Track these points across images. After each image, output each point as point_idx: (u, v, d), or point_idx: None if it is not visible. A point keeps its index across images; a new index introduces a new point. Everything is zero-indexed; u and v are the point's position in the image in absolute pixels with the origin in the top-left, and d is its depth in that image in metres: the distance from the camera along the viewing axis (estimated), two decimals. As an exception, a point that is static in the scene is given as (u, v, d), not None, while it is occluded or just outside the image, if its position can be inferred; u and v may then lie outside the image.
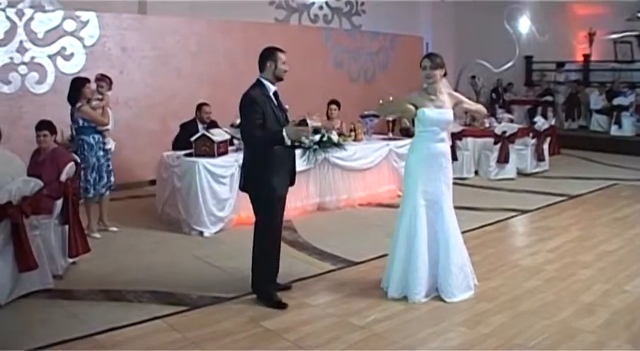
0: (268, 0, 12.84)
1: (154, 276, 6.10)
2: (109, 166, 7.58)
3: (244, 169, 5.45)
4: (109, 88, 7.84)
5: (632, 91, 17.31)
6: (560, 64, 19.49)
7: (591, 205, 9.43)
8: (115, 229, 7.73)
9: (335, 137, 8.73)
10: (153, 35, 10.73)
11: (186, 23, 11.18)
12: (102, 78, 7.79)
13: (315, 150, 8.45)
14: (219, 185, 7.63)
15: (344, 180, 8.95)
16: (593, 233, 7.71)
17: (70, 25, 9.87)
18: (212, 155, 7.66)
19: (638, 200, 9.83)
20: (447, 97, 5.51)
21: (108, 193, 7.69)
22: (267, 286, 5.44)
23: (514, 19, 18.28)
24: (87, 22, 10.02)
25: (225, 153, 7.88)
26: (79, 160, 6.63)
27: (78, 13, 9.93)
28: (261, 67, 5.36)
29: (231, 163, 7.73)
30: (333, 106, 9.89)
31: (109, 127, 7.59)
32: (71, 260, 6.25)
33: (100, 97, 7.62)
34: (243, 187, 5.47)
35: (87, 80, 7.49)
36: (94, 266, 6.39)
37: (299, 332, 4.83)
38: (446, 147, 5.57)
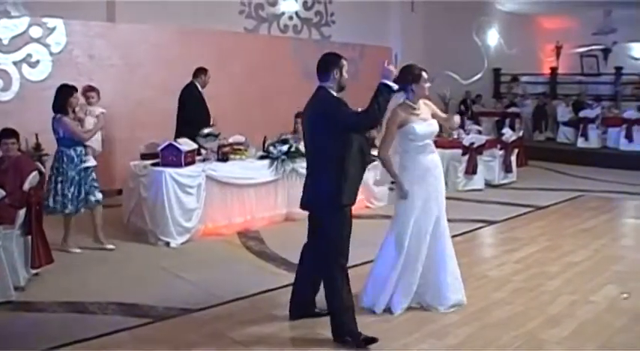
0: (238, 9, 12.79)
1: (119, 287, 6.02)
2: (93, 179, 7.23)
3: (339, 180, 4.74)
4: (99, 99, 7.63)
5: (598, 104, 17.58)
6: (514, 79, 19.72)
7: (558, 216, 9.51)
8: (111, 246, 7.36)
9: (302, 148, 8.71)
10: (121, 43, 10.62)
11: (156, 31, 11.09)
12: (91, 89, 7.59)
13: (283, 160, 8.44)
14: (186, 195, 7.56)
15: (312, 190, 8.90)
16: (559, 244, 7.77)
17: (36, 32, 9.74)
18: (179, 165, 7.59)
19: (605, 211, 9.96)
20: (425, 108, 5.47)
21: (100, 208, 7.37)
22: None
23: (483, 31, 18.44)
24: (54, 28, 9.89)
25: (192, 163, 7.81)
26: (43, 170, 6.52)
27: (44, 19, 9.81)
28: (324, 74, 4.86)
29: (198, 173, 7.67)
30: (300, 120, 9.87)
31: (94, 147, 7.30)
32: (34, 271, 6.14)
33: (97, 114, 7.46)
34: (342, 202, 4.82)
35: (74, 89, 7.20)
36: (57, 277, 6.28)
37: (266, 344, 4.79)
38: (437, 156, 5.52)
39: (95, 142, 7.30)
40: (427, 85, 5.37)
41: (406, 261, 5.35)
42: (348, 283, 4.86)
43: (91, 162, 7.23)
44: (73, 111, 7.25)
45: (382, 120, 4.95)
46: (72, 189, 7.05)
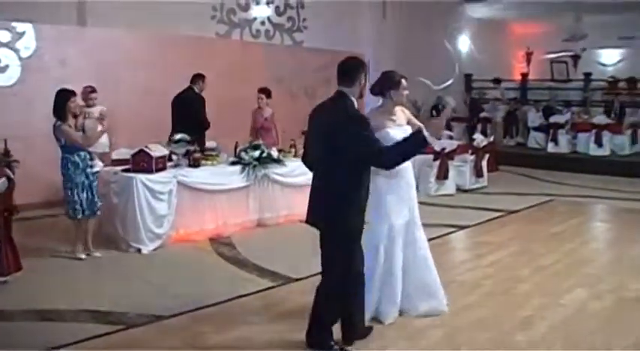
0: (210, 14, 12.75)
1: (90, 294, 5.96)
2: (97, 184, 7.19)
3: (342, 195, 4.62)
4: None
5: (568, 109, 17.84)
6: (497, 81, 19.84)
7: (528, 220, 9.61)
8: (98, 254, 7.24)
9: (275, 153, 8.73)
10: (92, 48, 10.53)
11: (127, 36, 11.02)
12: (92, 90, 7.49)
13: (254, 166, 8.43)
14: (157, 201, 7.51)
15: (284, 196, 8.91)
16: (530, 248, 7.84)
17: (4, 37, 9.64)
18: (150, 171, 7.54)
19: (574, 216, 10.08)
20: (402, 114, 5.47)
21: (94, 217, 7.28)
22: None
23: (454, 37, 18.59)
24: (23, 33, 9.80)
25: (163, 169, 7.76)
26: (12, 176, 6.42)
27: (14, 24, 9.71)
28: (349, 80, 4.63)
29: (169, 179, 7.63)
30: (262, 95, 9.99)
31: (98, 151, 7.24)
32: (2, 279, 6.06)
33: (102, 120, 7.39)
34: (343, 220, 4.67)
35: (71, 93, 7.04)
36: (26, 285, 6.19)
37: (239, 350, 4.77)
38: (409, 162, 5.40)
39: (100, 145, 7.30)
40: (406, 92, 5.36)
41: (384, 269, 5.33)
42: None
43: (97, 166, 7.21)
44: (75, 116, 7.12)
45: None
46: (83, 194, 7.02)
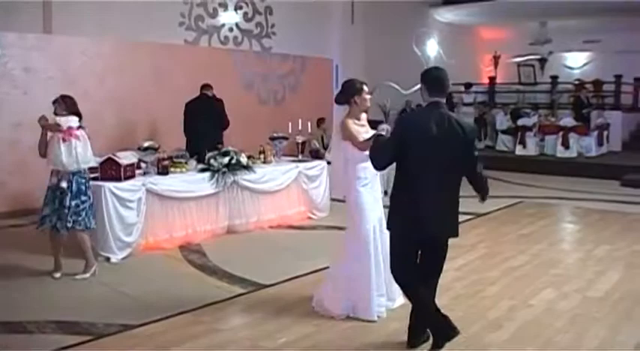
0: (178, 21, 12.70)
1: (57, 305, 5.89)
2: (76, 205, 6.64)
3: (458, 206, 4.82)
4: (65, 108, 6.81)
5: (535, 112, 18.07)
6: (469, 85, 19.99)
7: (498, 222, 9.69)
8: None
9: (244, 160, 8.70)
10: (59, 55, 10.42)
11: (94, 44, 10.92)
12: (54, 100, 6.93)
13: (224, 173, 8.40)
14: (126, 209, 7.44)
15: (253, 202, 8.90)
16: (499, 250, 7.91)
17: (-32, 45, 9.52)
18: (118, 179, 7.48)
19: (542, 217, 10.20)
20: (366, 122, 5.63)
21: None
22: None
23: (422, 42, 18.70)
24: (-14, 41, 9.69)
25: (132, 176, 7.70)
26: None
27: (-23, 31, 9.60)
28: (443, 90, 4.64)
29: (138, 187, 7.57)
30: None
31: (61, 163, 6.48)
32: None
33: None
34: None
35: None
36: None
37: (208, 358, 4.75)
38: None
39: (54, 157, 6.49)
40: (369, 97, 5.51)
41: (376, 265, 5.48)
42: None
43: (63, 182, 6.56)
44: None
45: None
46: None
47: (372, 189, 5.53)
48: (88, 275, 6.74)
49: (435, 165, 4.49)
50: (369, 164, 5.10)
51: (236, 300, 6.07)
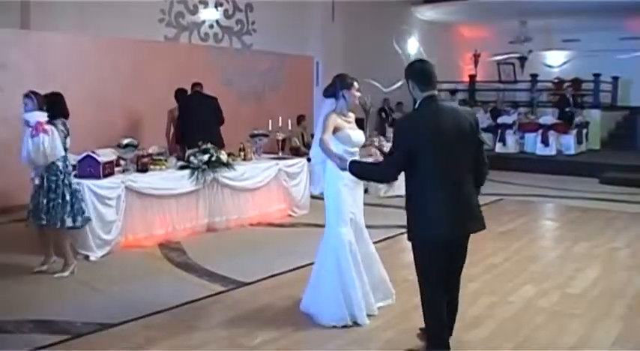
0: (158, 17, 12.64)
1: (36, 304, 5.82)
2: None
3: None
4: (35, 104, 6.47)
5: (515, 110, 18.18)
6: (454, 92, 20.05)
7: (478, 220, 9.70)
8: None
9: (224, 157, 8.67)
10: (36, 52, 10.32)
11: (72, 40, 10.83)
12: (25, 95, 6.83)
13: (203, 170, 8.36)
14: (105, 207, 7.38)
15: (233, 200, 8.86)
16: (480, 247, 7.89)
17: (-58, 40, 9.40)
18: (97, 176, 7.42)
19: (522, 214, 10.27)
20: (352, 116, 5.60)
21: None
22: None
23: (403, 40, 18.73)
24: (-38, 36, 9.57)
25: (111, 174, 7.64)
26: None
27: (-47, 27, 9.48)
28: (435, 82, 4.48)
29: (117, 185, 7.50)
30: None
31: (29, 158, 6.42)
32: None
33: None
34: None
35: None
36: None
37: (188, 357, 4.72)
38: None
39: (25, 152, 6.43)
40: (358, 94, 5.49)
41: (355, 264, 5.43)
42: None
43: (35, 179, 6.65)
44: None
45: None
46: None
47: (352, 190, 5.47)
48: (66, 274, 6.66)
49: (453, 161, 4.30)
50: None
51: (216, 298, 6.03)
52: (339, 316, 5.28)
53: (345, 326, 5.26)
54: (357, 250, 5.47)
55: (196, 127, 9.71)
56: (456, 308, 4.77)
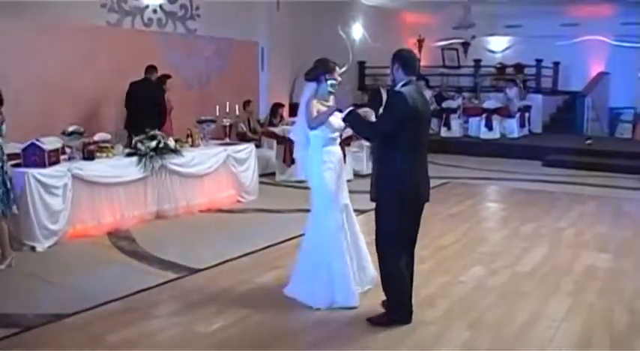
0: (100, 2, 12.38)
1: (-17, 297, 5.70)
2: None
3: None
4: None
5: (459, 95, 18.40)
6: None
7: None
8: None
9: (172, 143, 8.57)
10: (-27, 39, 10.01)
11: (13, 25, 10.51)
12: None
13: (151, 157, 8.26)
14: (51, 197, 7.22)
15: (182, 186, 8.78)
16: (429, 230, 7.97)
17: None
18: (42, 165, 7.26)
19: (469, 197, 10.45)
20: (333, 100, 5.59)
21: None
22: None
23: (348, 25, 18.77)
24: None
25: (57, 162, 7.48)
26: None
27: None
28: (415, 68, 5.11)
29: (63, 173, 7.34)
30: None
31: None
32: None
33: None
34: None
35: None
36: None
37: (144, 344, 4.67)
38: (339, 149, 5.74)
39: None
40: (339, 79, 5.57)
41: (338, 254, 5.48)
42: None
43: None
44: None
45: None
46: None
47: (337, 175, 5.53)
48: (3, 267, 6.45)
49: (423, 136, 4.99)
50: (334, 148, 5.46)
51: (169, 285, 5.99)
52: (328, 300, 5.36)
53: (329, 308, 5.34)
54: (348, 233, 5.60)
55: (135, 112, 9.93)
56: (412, 280, 5.14)
